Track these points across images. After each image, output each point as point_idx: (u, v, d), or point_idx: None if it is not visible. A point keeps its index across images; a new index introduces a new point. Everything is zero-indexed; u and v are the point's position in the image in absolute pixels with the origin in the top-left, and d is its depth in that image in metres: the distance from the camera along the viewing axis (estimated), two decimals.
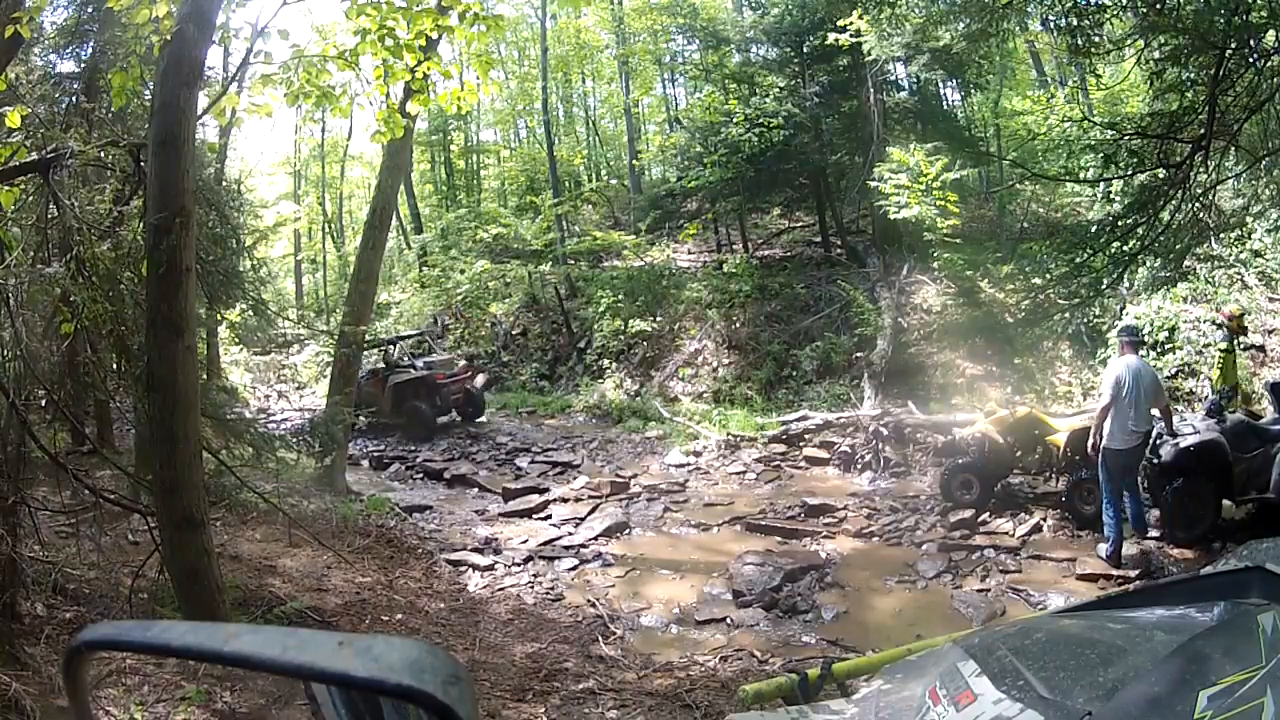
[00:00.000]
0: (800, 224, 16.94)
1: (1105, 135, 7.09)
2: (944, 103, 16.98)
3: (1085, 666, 1.31)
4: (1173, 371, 9.43)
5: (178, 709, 3.42)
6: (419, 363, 13.05)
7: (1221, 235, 8.66)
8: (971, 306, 11.77)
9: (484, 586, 6.16)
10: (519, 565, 6.58)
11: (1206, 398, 7.66)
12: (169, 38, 3.68)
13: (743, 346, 13.15)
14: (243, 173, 19.91)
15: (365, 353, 11.92)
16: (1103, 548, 5.97)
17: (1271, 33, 5.19)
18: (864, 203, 13.72)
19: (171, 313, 3.76)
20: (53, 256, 4.35)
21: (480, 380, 13.51)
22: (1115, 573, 5.72)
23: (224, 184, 9.15)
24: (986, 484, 7.23)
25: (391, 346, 13.16)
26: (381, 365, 12.74)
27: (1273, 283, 9.84)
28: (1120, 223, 6.25)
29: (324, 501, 7.17)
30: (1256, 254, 9.94)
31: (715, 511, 8.04)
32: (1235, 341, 7.51)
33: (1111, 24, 6.06)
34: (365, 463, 10.97)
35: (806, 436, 9.88)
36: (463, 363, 13.77)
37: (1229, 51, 4.97)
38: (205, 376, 10.63)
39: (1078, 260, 6.59)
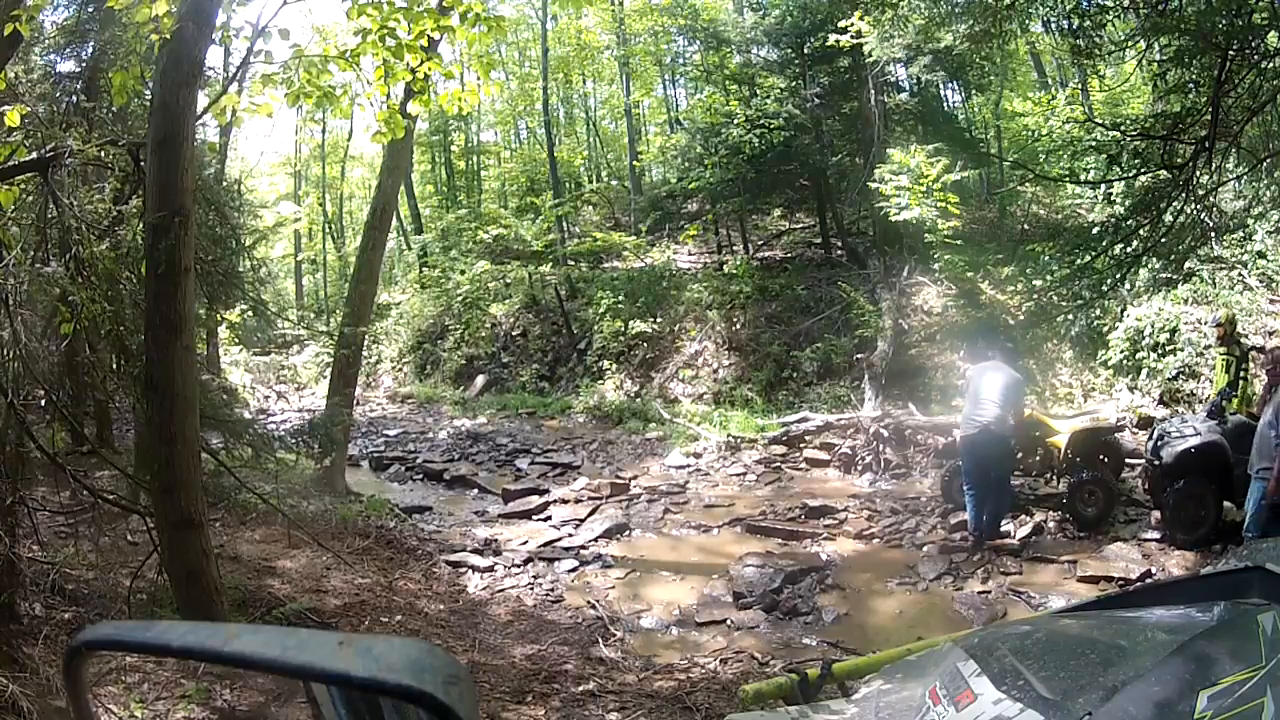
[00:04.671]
0: (801, 225, 16.93)
1: (1108, 136, 7.10)
2: (945, 104, 16.98)
3: (1085, 667, 1.31)
4: (1173, 373, 9.42)
5: (177, 706, 3.42)
6: None
7: (1223, 237, 8.66)
8: (972, 308, 11.78)
9: (484, 588, 6.14)
10: (519, 567, 6.57)
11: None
12: (169, 36, 3.68)
13: (743, 348, 13.14)
14: (243, 173, 19.93)
15: None
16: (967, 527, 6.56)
17: (1274, 33, 5.18)
18: (864, 204, 13.71)
19: (170, 313, 3.76)
20: (52, 256, 4.33)
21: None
22: (1116, 575, 5.72)
23: (224, 184, 9.12)
24: None
25: None
26: None
27: (1274, 284, 9.83)
28: (1123, 224, 6.25)
29: (323, 502, 7.16)
30: (1260, 255, 9.93)
31: (715, 513, 8.02)
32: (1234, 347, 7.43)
33: (1113, 25, 6.07)
34: (365, 464, 10.99)
35: (807, 438, 9.87)
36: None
37: (1231, 52, 4.97)
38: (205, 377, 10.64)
39: (1080, 262, 6.59)
